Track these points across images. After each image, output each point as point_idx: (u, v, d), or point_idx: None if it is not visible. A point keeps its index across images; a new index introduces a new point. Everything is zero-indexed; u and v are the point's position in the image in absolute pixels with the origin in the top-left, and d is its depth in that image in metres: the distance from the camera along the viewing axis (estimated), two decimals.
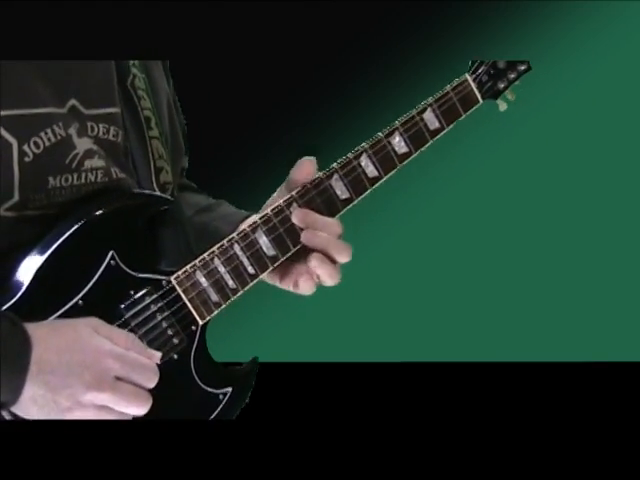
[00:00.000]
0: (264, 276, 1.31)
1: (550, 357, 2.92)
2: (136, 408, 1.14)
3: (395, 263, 2.97)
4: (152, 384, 1.16)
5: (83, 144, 1.21)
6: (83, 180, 1.20)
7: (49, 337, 1.11)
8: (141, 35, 1.25)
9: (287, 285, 1.35)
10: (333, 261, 1.30)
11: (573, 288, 3.01)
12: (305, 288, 1.32)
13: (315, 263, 1.29)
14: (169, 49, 1.34)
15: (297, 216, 1.30)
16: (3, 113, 1.13)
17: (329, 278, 1.30)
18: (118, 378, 1.13)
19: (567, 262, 3.02)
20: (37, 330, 1.10)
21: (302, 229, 1.30)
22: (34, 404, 1.09)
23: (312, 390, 2.84)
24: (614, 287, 3.02)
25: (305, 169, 1.31)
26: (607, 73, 2.98)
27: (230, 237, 1.27)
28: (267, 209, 1.30)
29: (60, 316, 1.16)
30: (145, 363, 1.16)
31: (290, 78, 2.83)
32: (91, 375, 1.10)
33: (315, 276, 1.30)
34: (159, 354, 1.20)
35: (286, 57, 2.74)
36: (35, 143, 1.16)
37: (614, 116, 2.97)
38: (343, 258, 1.30)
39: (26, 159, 1.15)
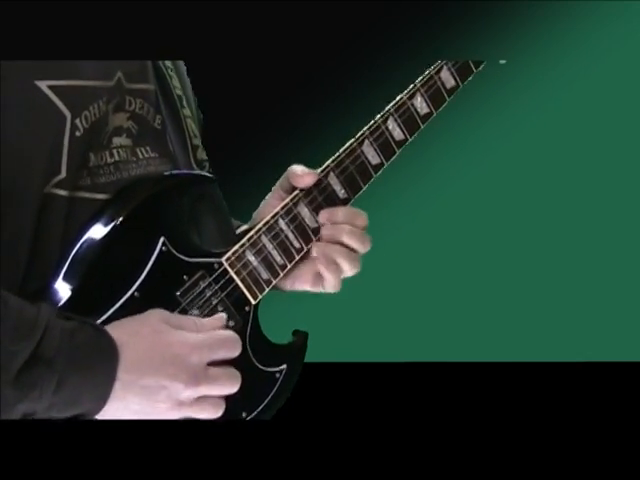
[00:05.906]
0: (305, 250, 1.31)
1: (550, 357, 2.92)
2: (230, 387, 1.13)
3: (395, 263, 2.97)
4: (238, 350, 1.15)
5: (115, 121, 1.17)
6: (116, 157, 1.17)
7: (131, 341, 1.06)
8: (145, 35, 1.24)
9: (306, 282, 1.34)
10: (353, 250, 1.31)
11: (573, 288, 3.01)
12: (330, 279, 1.31)
13: (336, 255, 1.29)
14: (168, 49, 1.33)
15: (323, 216, 1.30)
16: (57, 82, 1.09)
17: (351, 267, 1.31)
18: (208, 364, 1.11)
19: (568, 262, 3.02)
20: (116, 334, 1.06)
21: (340, 198, 1.32)
22: (127, 411, 1.06)
23: (311, 390, 2.84)
24: (614, 287, 3.02)
25: (307, 178, 1.30)
26: (607, 72, 2.98)
27: (274, 212, 1.28)
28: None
29: (117, 310, 1.10)
30: (224, 336, 1.15)
31: (291, 81, 2.83)
32: (186, 373, 1.08)
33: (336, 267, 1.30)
34: (224, 314, 1.20)
35: (286, 57, 2.74)
36: (85, 117, 1.11)
37: (614, 115, 2.98)
38: (364, 248, 1.31)
39: (77, 133, 1.11)
